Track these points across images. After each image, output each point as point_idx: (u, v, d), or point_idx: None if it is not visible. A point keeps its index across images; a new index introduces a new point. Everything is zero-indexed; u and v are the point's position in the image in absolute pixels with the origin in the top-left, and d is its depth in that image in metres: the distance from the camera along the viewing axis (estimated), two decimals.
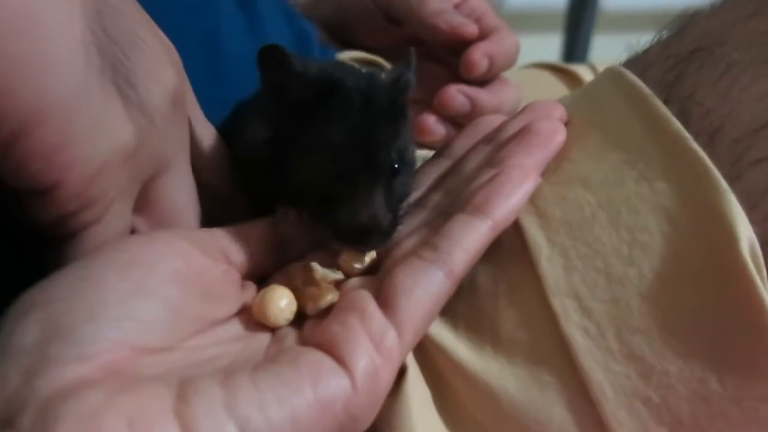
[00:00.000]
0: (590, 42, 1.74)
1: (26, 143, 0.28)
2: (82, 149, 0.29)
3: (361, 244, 0.35)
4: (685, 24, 0.40)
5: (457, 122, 0.59)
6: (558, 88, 0.70)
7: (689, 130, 0.34)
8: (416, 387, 0.35)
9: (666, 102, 0.35)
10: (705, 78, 0.35)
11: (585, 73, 0.70)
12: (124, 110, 0.32)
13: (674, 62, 0.37)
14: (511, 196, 0.34)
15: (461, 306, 0.36)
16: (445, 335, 0.36)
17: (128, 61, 0.32)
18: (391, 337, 0.30)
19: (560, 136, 0.38)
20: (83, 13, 0.30)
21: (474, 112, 0.58)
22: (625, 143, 0.36)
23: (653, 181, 0.34)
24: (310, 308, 0.33)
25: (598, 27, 1.77)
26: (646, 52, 0.42)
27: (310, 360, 0.28)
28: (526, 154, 0.37)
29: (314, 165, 0.35)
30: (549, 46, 1.67)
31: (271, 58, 0.36)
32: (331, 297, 0.33)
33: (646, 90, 0.36)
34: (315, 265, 0.34)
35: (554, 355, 0.34)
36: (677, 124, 0.34)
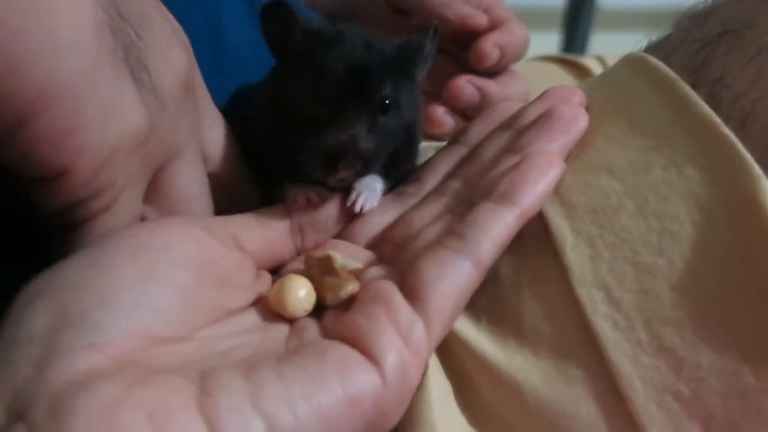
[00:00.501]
0: (588, 39, 1.74)
1: (33, 127, 0.26)
2: (92, 134, 0.28)
3: (339, 165, 0.35)
4: (707, 9, 0.39)
5: (466, 114, 0.58)
6: (566, 81, 0.69)
7: (719, 115, 0.33)
8: (437, 382, 0.33)
9: (694, 86, 0.34)
10: (734, 61, 0.34)
11: (593, 65, 0.69)
12: (137, 93, 0.30)
13: (700, 46, 0.36)
14: (537, 183, 0.33)
15: (483, 298, 0.34)
16: (466, 328, 0.35)
17: (140, 41, 0.31)
18: (419, 330, 0.29)
19: (582, 121, 0.37)
20: None
21: (483, 104, 0.57)
22: (650, 129, 0.35)
23: (682, 167, 0.33)
24: (330, 298, 0.32)
25: (596, 24, 1.76)
26: (667, 38, 0.41)
27: (336, 354, 0.27)
28: (548, 139, 0.36)
29: (307, 90, 0.36)
30: (547, 44, 1.66)
31: (275, 12, 0.37)
32: (351, 287, 0.32)
33: (672, 74, 0.35)
34: (334, 254, 0.33)
35: (581, 347, 0.32)
36: (706, 109, 0.33)
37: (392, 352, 0.27)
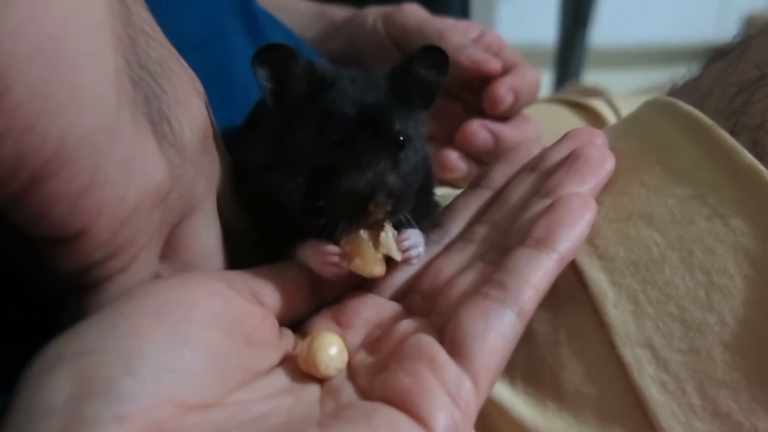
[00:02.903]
0: (580, 78, 1.74)
1: (50, 186, 0.24)
2: (112, 192, 0.26)
3: (367, 206, 0.32)
4: (737, 52, 0.38)
5: (480, 159, 0.57)
6: (577, 124, 0.68)
7: (763, 162, 0.31)
8: None
9: (732, 132, 0.33)
10: None
11: (603, 109, 0.68)
12: (158, 147, 0.28)
13: (737, 90, 0.35)
14: (574, 227, 0.32)
15: (517, 357, 0.32)
16: (501, 390, 0.33)
17: (162, 92, 0.29)
18: (467, 388, 0.27)
19: (610, 162, 0.35)
20: (116, 42, 0.26)
21: (497, 148, 0.56)
22: (690, 177, 0.33)
23: (728, 218, 0.31)
24: (355, 266, 0.33)
25: (587, 63, 1.77)
26: (696, 81, 0.39)
27: (384, 418, 0.25)
28: (578, 181, 0.34)
29: (317, 137, 0.34)
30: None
31: (274, 56, 0.34)
32: (378, 270, 0.33)
33: (707, 120, 0.34)
34: (388, 228, 0.33)
35: (627, 411, 0.31)
36: (749, 157, 0.31)
37: (442, 413, 0.26)
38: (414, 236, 0.35)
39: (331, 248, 0.34)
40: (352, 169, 0.32)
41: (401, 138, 0.34)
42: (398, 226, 0.34)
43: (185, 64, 0.33)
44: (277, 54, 0.34)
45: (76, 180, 0.25)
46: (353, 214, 0.32)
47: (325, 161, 0.33)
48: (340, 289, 0.36)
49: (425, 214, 0.37)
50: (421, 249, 0.35)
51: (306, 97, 0.35)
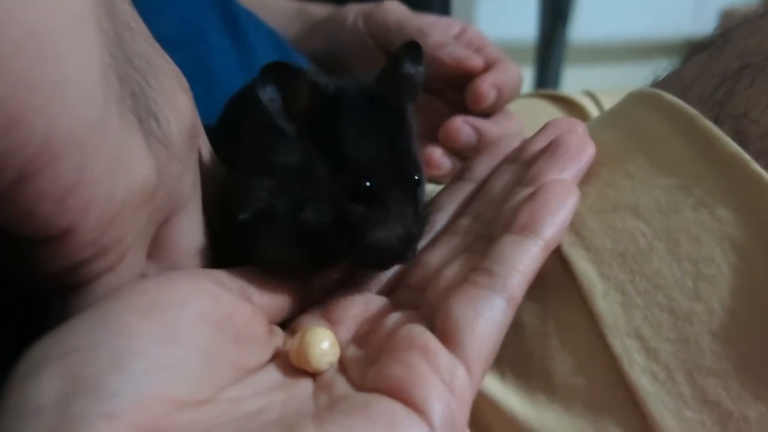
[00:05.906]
0: (561, 73, 1.75)
1: (36, 184, 0.24)
2: (99, 189, 0.26)
3: (399, 260, 0.33)
4: (719, 43, 0.38)
5: (464, 155, 0.57)
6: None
7: (747, 151, 0.31)
8: None
9: (716, 122, 0.33)
10: (758, 95, 0.33)
11: (586, 103, 0.68)
12: (145, 143, 0.28)
13: (720, 80, 0.35)
14: (558, 212, 0.32)
15: (507, 350, 0.33)
16: (491, 384, 0.33)
17: (149, 88, 0.28)
18: (461, 375, 0.27)
19: (590, 149, 0.36)
20: (101, 36, 0.26)
21: (481, 144, 0.56)
22: (675, 167, 0.33)
23: (714, 207, 0.31)
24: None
25: (567, 59, 1.78)
26: (679, 72, 0.40)
27: (381, 408, 0.25)
28: (559, 169, 0.34)
29: (335, 176, 0.32)
30: None
31: (280, 72, 0.32)
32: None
33: (691, 110, 0.34)
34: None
35: (618, 402, 0.31)
36: (734, 146, 0.32)
37: (439, 401, 0.25)
38: None
39: None
40: (379, 223, 0.32)
41: (416, 177, 0.34)
42: None
43: (170, 61, 0.33)
44: (279, 70, 0.32)
45: (63, 177, 0.24)
46: (378, 267, 0.34)
47: (346, 208, 0.32)
48: (328, 287, 0.36)
49: None
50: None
51: (313, 116, 0.33)
